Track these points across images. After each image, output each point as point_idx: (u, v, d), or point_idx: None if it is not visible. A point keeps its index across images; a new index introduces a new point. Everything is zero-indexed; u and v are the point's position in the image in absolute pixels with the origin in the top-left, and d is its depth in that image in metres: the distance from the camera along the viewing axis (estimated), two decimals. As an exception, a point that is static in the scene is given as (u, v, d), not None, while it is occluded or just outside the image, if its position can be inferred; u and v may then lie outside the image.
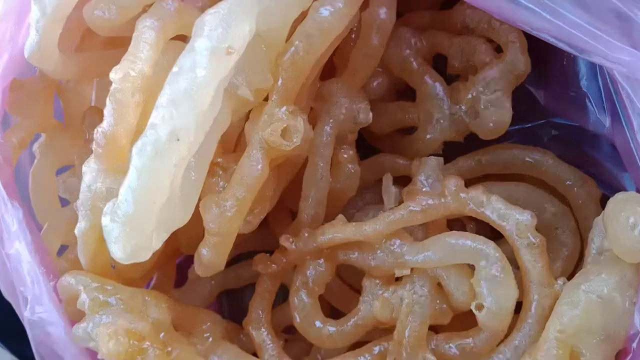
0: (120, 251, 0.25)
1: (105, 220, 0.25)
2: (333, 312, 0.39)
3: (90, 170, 0.28)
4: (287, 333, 0.41)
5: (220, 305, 0.46)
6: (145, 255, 0.26)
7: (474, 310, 0.30)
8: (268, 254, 0.36)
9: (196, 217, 0.32)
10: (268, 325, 0.36)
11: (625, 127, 0.28)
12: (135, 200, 0.24)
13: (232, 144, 0.33)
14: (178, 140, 0.23)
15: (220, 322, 0.37)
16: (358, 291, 0.36)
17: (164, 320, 0.31)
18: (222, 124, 0.29)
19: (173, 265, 0.42)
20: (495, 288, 0.29)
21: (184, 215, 0.28)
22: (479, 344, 0.31)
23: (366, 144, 0.43)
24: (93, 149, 0.27)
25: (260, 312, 0.36)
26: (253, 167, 0.29)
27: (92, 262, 0.31)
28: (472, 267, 0.31)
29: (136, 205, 0.24)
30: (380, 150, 0.41)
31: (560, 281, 0.29)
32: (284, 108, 0.29)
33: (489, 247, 0.30)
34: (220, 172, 0.31)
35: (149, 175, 0.24)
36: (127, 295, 0.31)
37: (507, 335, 0.31)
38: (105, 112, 0.26)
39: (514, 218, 0.30)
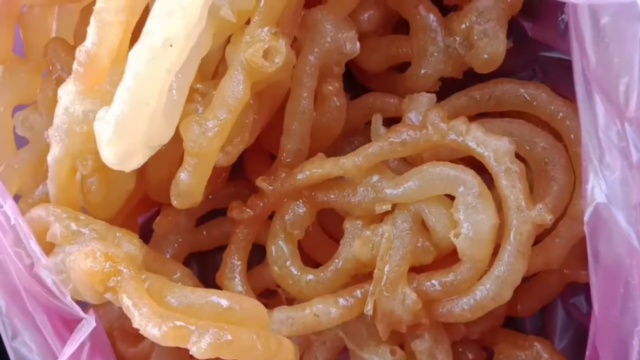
0: (112, 154, 0.40)
1: (98, 125, 0.41)
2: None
3: (67, 92, 0.44)
4: (266, 298, 0.57)
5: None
6: (133, 163, 0.41)
7: (452, 239, 0.45)
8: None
9: (168, 157, 0.49)
10: (243, 277, 0.52)
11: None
12: (130, 100, 0.39)
13: (211, 73, 0.49)
14: (171, 46, 0.39)
15: (192, 276, 0.53)
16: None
17: (136, 256, 0.48)
18: (204, 45, 0.44)
19: (135, 221, 0.59)
20: (471, 213, 0.45)
21: (167, 132, 0.43)
22: (460, 277, 0.46)
23: (358, 85, 0.60)
24: (74, 69, 0.43)
25: (234, 261, 0.52)
26: (234, 87, 0.45)
27: (63, 192, 0.47)
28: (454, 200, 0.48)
29: (131, 105, 0.39)
30: (373, 91, 0.58)
31: (539, 206, 0.45)
32: (266, 29, 0.45)
33: (467, 174, 0.45)
34: (199, 99, 0.47)
35: (145, 77, 0.39)
36: (101, 227, 0.46)
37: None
38: (89, 30, 0.42)
39: (492, 145, 0.45)
